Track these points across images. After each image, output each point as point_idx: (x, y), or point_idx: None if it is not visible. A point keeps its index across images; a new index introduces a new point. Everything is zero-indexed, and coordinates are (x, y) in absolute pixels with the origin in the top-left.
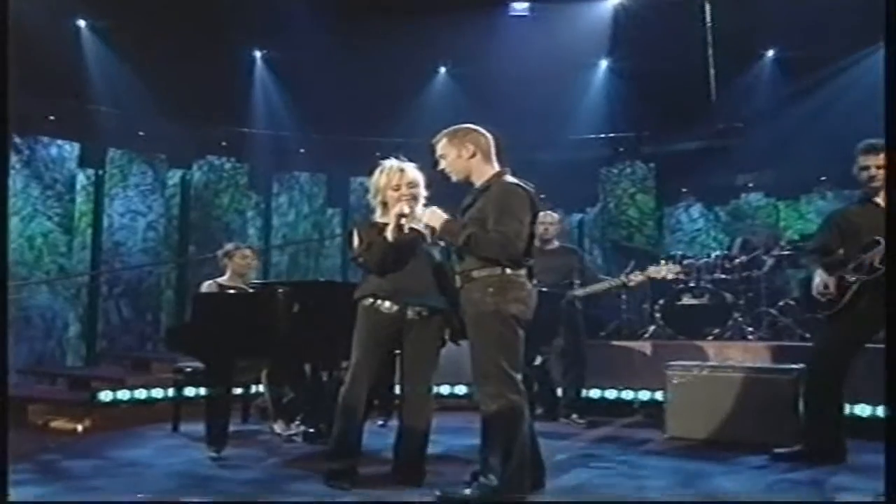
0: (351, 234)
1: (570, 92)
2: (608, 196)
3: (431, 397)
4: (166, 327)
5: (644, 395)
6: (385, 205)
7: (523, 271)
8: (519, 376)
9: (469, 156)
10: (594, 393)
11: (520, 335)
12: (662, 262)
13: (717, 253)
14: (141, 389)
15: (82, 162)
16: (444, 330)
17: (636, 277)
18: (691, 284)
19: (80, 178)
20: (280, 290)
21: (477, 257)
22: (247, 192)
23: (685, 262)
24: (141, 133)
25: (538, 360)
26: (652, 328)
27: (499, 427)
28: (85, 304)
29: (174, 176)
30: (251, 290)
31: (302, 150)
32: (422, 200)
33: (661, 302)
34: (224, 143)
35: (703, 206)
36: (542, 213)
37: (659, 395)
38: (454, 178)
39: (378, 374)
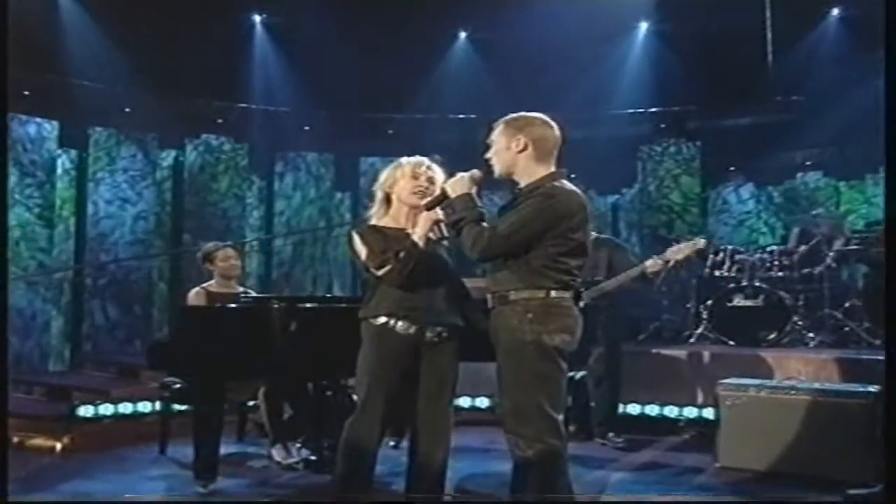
0: (352, 241)
1: (605, 60)
2: (648, 177)
3: (452, 419)
4: (149, 343)
5: (690, 412)
6: (388, 201)
7: (569, 294)
8: (560, 417)
9: (519, 149)
10: (633, 408)
11: (563, 370)
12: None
13: (773, 247)
14: (126, 403)
15: (62, 142)
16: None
17: (651, 262)
18: (743, 283)
19: (62, 161)
20: (276, 307)
21: (513, 274)
22: (247, 175)
23: (737, 257)
24: (127, 110)
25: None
26: (698, 332)
27: (535, 475)
28: (67, 302)
29: (167, 157)
30: (243, 306)
31: (307, 128)
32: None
33: (708, 302)
34: (220, 121)
35: (755, 187)
36: None
37: (707, 413)
38: (496, 172)
39: (392, 406)
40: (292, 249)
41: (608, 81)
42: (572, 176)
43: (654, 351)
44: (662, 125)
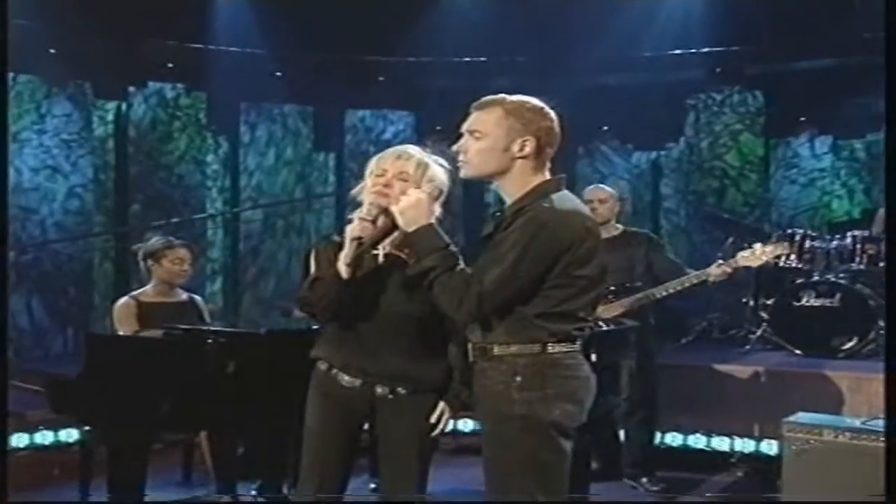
0: (308, 260)
1: None
2: (700, 132)
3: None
4: (50, 380)
5: (745, 445)
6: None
7: (576, 346)
8: None
9: (522, 154)
10: (672, 439)
11: (565, 450)
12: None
13: (856, 233)
14: (45, 431)
15: None
16: (434, 411)
17: (717, 270)
18: (815, 277)
19: None
20: (209, 342)
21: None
22: (208, 133)
23: (808, 243)
24: (52, 51)
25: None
26: (756, 335)
27: None
28: None
29: (108, 112)
30: (169, 340)
31: (279, 74)
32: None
33: (770, 301)
34: (171, 65)
35: (833, 139)
36: (588, 189)
37: (767, 447)
38: (468, 172)
39: (343, 472)
40: (263, 220)
41: (651, 14)
42: (604, 128)
43: (699, 364)
44: (718, 69)
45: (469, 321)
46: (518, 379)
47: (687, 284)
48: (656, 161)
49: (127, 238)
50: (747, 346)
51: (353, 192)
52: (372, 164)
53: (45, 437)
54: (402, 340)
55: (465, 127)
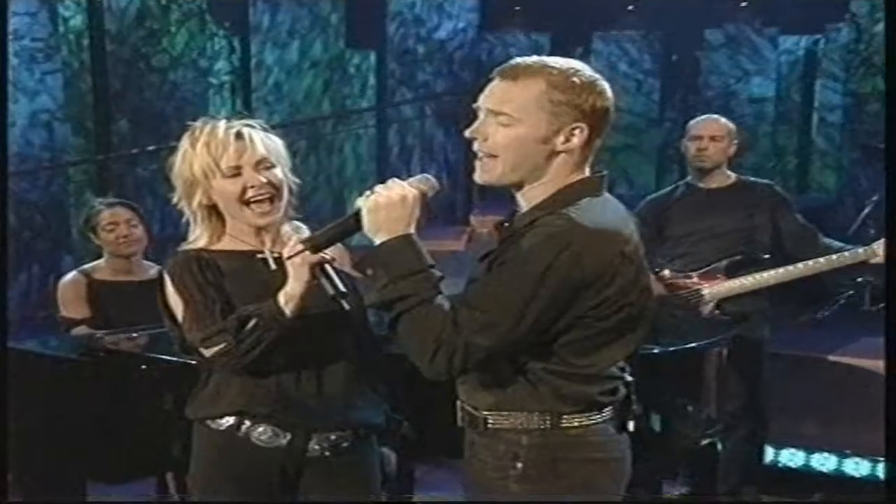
0: (164, 289)
1: None
2: (877, 12)
3: None
4: None
5: (889, 469)
6: (212, 212)
7: (607, 414)
8: None
9: (567, 147)
10: (789, 457)
11: None
12: None
13: None
14: None
15: None
16: (379, 462)
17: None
18: None
19: None
20: (143, 368)
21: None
22: (223, 31)
23: None
24: None
25: None
26: None
27: None
28: None
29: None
30: (92, 364)
31: None
32: (286, 199)
33: None
34: None
35: None
36: (698, 121)
37: None
38: (491, 174)
39: None
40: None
41: None
42: (743, 4)
43: (829, 355)
44: None
45: (443, 378)
46: (519, 465)
47: (834, 265)
48: (811, 49)
49: (107, 170)
50: None
51: (186, 189)
52: (203, 159)
53: None
54: (347, 375)
55: (485, 102)
